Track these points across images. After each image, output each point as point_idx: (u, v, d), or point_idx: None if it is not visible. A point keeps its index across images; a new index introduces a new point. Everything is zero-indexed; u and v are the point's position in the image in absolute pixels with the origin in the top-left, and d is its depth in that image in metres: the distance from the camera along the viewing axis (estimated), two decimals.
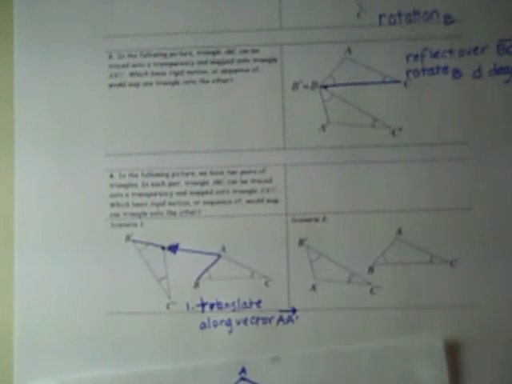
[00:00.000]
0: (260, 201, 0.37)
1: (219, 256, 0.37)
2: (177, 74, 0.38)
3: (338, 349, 0.36)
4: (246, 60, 0.38)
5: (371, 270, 0.36)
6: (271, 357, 0.36)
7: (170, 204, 0.38)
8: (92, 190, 0.38)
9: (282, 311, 0.37)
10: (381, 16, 0.38)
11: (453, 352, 0.36)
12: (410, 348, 0.36)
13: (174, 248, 0.37)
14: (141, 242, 0.37)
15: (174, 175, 0.38)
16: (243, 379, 0.36)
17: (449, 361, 0.35)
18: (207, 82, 0.38)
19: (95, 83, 0.38)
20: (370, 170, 0.37)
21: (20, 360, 0.37)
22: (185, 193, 0.38)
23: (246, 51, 0.38)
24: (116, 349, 0.37)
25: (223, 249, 0.37)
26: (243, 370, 0.36)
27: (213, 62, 0.38)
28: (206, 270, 0.37)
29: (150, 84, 0.38)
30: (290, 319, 0.37)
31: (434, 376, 0.35)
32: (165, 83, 0.38)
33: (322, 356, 0.36)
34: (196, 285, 0.37)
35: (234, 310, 0.37)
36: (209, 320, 0.37)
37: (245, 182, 0.37)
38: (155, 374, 0.36)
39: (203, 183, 0.37)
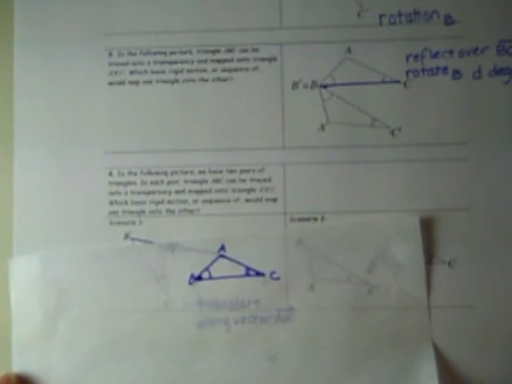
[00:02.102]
0: (259, 200, 0.37)
1: (218, 254, 0.37)
2: (176, 72, 0.38)
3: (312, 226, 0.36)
4: (245, 59, 0.38)
5: (370, 270, 0.36)
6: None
7: (169, 202, 0.38)
8: (91, 188, 0.38)
9: (279, 310, 0.37)
10: (381, 16, 0.38)
11: (428, 228, 0.36)
12: (386, 224, 0.36)
13: (172, 246, 0.37)
14: (139, 240, 0.37)
15: (172, 173, 0.38)
16: None
17: (424, 237, 0.36)
18: (207, 80, 0.38)
19: (95, 81, 0.38)
20: (368, 170, 0.37)
21: None
22: (184, 191, 0.38)
23: (245, 50, 0.38)
24: (113, 346, 0.37)
25: (222, 247, 0.37)
26: None
27: (212, 61, 0.38)
28: (205, 268, 0.37)
29: (150, 82, 0.38)
30: (287, 318, 0.37)
31: (409, 251, 0.36)
32: (164, 81, 0.38)
33: None
34: (194, 283, 0.37)
35: (231, 309, 0.37)
36: (206, 319, 0.37)
37: (244, 180, 0.37)
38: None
39: (202, 182, 0.38)
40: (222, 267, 0.37)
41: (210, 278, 0.37)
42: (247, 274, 0.37)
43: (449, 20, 0.37)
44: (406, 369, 0.36)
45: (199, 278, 0.37)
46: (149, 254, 0.37)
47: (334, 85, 0.37)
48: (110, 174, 0.38)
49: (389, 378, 0.36)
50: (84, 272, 0.37)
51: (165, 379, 0.36)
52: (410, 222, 0.36)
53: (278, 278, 0.37)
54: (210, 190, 0.37)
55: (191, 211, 0.37)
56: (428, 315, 0.36)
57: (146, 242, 0.37)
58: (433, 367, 0.35)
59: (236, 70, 0.38)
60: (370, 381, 0.36)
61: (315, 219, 0.37)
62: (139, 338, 0.37)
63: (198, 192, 0.37)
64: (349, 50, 0.37)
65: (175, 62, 0.38)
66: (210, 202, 0.37)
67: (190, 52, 0.38)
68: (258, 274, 0.37)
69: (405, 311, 0.36)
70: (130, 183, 0.38)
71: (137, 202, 0.38)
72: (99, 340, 0.37)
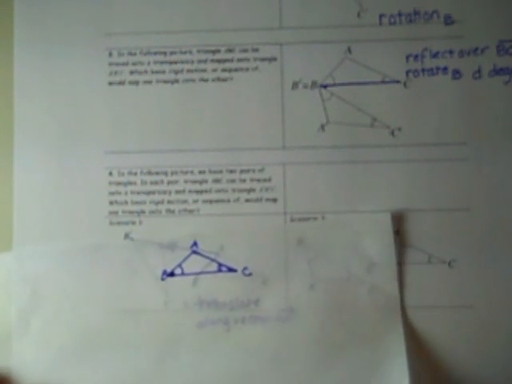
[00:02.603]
0: (259, 200, 0.37)
1: (217, 254, 0.37)
2: (176, 72, 0.38)
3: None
4: (245, 59, 0.38)
5: (369, 269, 0.36)
6: None
7: (169, 202, 0.38)
8: (91, 188, 0.38)
9: (279, 310, 0.37)
10: (381, 16, 0.38)
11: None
12: (359, 220, 0.36)
13: (172, 246, 0.37)
14: (139, 240, 0.37)
15: (173, 173, 0.38)
16: None
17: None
18: (207, 80, 0.38)
19: (95, 81, 0.38)
20: (368, 170, 0.37)
21: None
22: (184, 191, 0.38)
23: (245, 50, 0.38)
24: (113, 345, 0.37)
25: (221, 247, 0.37)
26: None
27: (212, 61, 0.38)
28: (205, 268, 0.37)
29: (150, 82, 0.38)
30: (287, 318, 0.37)
31: (381, 247, 0.36)
32: (164, 81, 0.38)
33: None
34: (194, 283, 0.37)
35: (231, 309, 0.37)
36: (206, 318, 0.37)
37: (244, 180, 0.37)
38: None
39: (202, 182, 0.38)
40: (221, 268, 0.37)
41: (183, 273, 0.37)
42: (219, 270, 0.37)
43: (449, 20, 0.37)
44: (378, 366, 0.36)
45: (171, 274, 0.37)
46: (148, 253, 0.37)
47: (334, 85, 0.37)
48: (110, 173, 0.38)
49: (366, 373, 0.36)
50: (60, 269, 0.37)
51: (164, 378, 0.37)
52: (382, 219, 0.36)
53: (249, 274, 0.37)
54: (210, 190, 0.37)
55: (191, 211, 0.37)
56: (400, 313, 0.36)
57: (145, 241, 0.37)
58: (404, 365, 0.35)
59: (236, 69, 0.38)
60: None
61: (315, 219, 0.37)
62: (137, 337, 0.37)
63: (198, 192, 0.38)
64: (349, 50, 0.37)
65: (175, 62, 0.38)
66: (210, 201, 0.37)
67: (190, 52, 0.38)
68: (231, 270, 0.37)
69: (379, 310, 0.36)
70: (130, 183, 0.38)
71: (137, 202, 0.38)
72: (74, 337, 0.37)
